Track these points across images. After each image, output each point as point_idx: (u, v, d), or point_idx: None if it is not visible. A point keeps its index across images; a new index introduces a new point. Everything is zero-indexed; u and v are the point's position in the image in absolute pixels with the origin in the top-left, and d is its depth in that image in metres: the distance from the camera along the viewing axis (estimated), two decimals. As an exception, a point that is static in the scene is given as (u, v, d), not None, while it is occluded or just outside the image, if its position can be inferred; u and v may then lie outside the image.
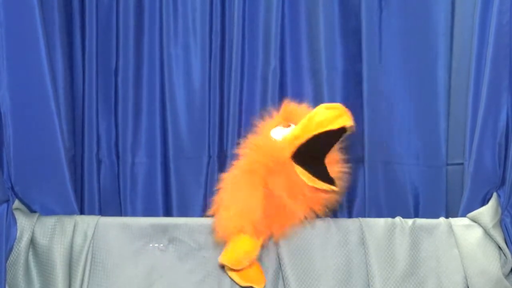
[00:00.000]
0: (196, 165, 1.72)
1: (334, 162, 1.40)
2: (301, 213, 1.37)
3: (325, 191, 1.36)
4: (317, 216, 1.42)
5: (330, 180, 1.34)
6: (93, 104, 1.71)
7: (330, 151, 1.37)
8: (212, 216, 1.41)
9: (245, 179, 1.35)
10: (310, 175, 1.33)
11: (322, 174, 1.34)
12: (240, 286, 1.41)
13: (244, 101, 1.70)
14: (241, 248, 1.32)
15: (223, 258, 1.34)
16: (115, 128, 1.73)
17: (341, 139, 1.36)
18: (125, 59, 1.72)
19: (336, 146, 1.40)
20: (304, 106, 1.47)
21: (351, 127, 1.34)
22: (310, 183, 1.33)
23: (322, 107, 1.36)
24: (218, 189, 1.41)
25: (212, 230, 1.41)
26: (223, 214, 1.35)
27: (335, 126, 1.31)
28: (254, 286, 1.39)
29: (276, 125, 1.43)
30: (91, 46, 1.69)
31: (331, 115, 1.32)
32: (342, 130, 1.33)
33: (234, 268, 1.35)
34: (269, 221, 1.36)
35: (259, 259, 1.43)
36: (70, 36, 1.67)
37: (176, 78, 1.74)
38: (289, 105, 1.46)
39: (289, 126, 1.42)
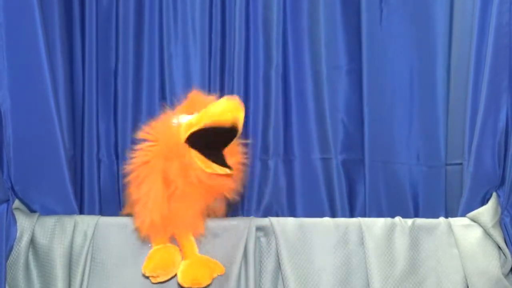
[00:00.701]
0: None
1: (234, 153, 1.40)
2: (201, 200, 1.37)
3: (221, 177, 1.36)
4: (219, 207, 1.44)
5: (225, 165, 1.33)
6: (93, 104, 1.71)
7: (229, 144, 1.36)
8: (128, 214, 1.43)
9: (144, 170, 1.35)
10: (204, 158, 1.32)
11: (216, 159, 1.33)
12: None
13: (246, 99, 1.70)
14: (159, 261, 1.36)
15: (143, 268, 1.37)
16: (115, 128, 1.73)
17: (234, 134, 1.34)
18: (125, 59, 1.72)
19: (236, 140, 1.39)
20: (211, 97, 1.45)
21: (238, 124, 1.32)
22: (205, 167, 1.33)
23: (223, 99, 1.35)
24: (126, 183, 1.39)
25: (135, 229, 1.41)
26: (136, 211, 1.36)
27: (224, 120, 1.30)
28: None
29: (181, 114, 1.41)
30: (91, 46, 1.69)
31: (223, 109, 1.31)
32: (231, 127, 1.31)
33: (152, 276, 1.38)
34: (173, 213, 1.36)
35: (259, 259, 1.44)
36: (70, 36, 1.67)
37: (176, 77, 1.74)
38: (195, 95, 1.45)
39: (192, 114, 1.40)
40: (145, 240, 1.41)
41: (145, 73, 1.73)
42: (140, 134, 1.38)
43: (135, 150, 1.37)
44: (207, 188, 1.37)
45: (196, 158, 1.33)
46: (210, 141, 1.33)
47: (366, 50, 1.65)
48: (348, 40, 1.70)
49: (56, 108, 1.44)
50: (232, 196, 1.41)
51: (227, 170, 1.32)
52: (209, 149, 1.33)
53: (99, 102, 1.73)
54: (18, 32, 1.39)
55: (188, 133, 1.32)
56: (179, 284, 1.38)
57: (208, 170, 1.33)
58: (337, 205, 1.70)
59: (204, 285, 1.37)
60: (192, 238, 1.40)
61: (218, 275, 1.40)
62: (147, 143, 1.36)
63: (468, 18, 1.54)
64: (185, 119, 1.38)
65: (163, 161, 1.34)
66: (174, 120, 1.38)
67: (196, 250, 1.40)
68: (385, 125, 1.68)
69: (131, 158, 1.37)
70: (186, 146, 1.33)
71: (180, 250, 1.40)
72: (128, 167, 1.36)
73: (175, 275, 1.38)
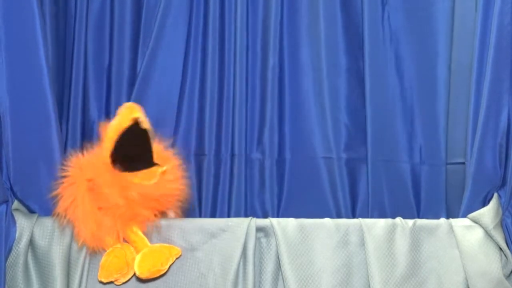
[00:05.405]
0: (191, 164, 1.71)
1: (165, 159, 1.44)
2: (147, 213, 1.40)
3: (163, 184, 1.41)
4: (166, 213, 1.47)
5: (152, 165, 1.39)
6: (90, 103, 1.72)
7: (150, 144, 1.41)
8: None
9: (81, 192, 1.37)
10: (136, 173, 1.38)
11: (147, 165, 1.39)
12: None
13: (243, 99, 1.69)
14: (110, 267, 1.38)
15: (99, 277, 1.40)
16: None
17: (145, 132, 1.39)
18: (119, 57, 1.72)
19: (158, 144, 1.45)
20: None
21: (140, 121, 1.37)
22: (142, 180, 1.38)
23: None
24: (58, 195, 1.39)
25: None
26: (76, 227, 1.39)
27: (126, 123, 1.36)
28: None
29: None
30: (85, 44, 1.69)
31: (121, 116, 1.38)
32: (136, 125, 1.37)
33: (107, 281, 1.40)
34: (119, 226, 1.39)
35: (259, 260, 1.44)
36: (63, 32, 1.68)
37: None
38: (104, 127, 1.47)
39: None
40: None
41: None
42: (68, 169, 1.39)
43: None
44: (157, 199, 1.41)
45: (130, 177, 1.38)
46: (132, 153, 1.39)
47: (368, 49, 1.64)
48: (348, 39, 1.70)
49: (55, 109, 1.43)
50: (182, 197, 1.46)
51: (158, 169, 1.38)
52: (138, 162, 1.39)
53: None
54: (16, 33, 1.38)
55: (108, 157, 1.37)
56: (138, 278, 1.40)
57: (146, 182, 1.38)
58: (339, 204, 1.70)
59: (163, 270, 1.38)
60: (139, 232, 1.41)
61: (176, 258, 1.42)
62: (84, 167, 1.39)
63: (470, 18, 1.54)
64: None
65: (103, 185, 1.37)
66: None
67: (147, 241, 1.41)
68: (387, 123, 1.68)
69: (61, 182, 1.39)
70: (118, 172, 1.38)
71: (132, 246, 1.41)
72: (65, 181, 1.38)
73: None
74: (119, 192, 1.37)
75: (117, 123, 1.39)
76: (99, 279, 1.39)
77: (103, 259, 1.39)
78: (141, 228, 1.42)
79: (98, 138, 1.45)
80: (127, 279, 1.41)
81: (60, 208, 1.37)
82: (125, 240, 1.41)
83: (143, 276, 1.36)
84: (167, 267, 1.39)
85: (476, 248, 1.40)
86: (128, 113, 1.39)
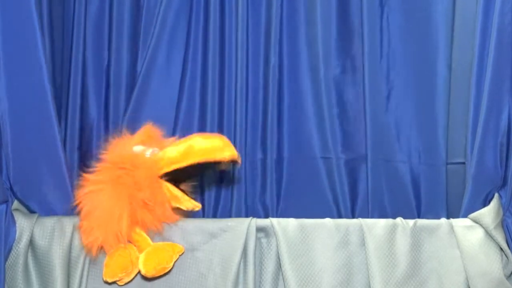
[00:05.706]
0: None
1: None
2: (151, 225, 1.40)
3: (180, 209, 1.41)
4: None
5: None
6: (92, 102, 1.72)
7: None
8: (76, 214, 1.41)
9: (112, 189, 1.36)
10: (176, 192, 1.38)
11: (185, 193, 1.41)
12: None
13: (244, 99, 1.69)
14: (115, 265, 1.38)
15: (104, 276, 1.39)
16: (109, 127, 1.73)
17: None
18: (118, 58, 1.72)
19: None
20: (161, 134, 1.48)
21: (236, 158, 1.36)
22: (174, 201, 1.38)
23: (199, 136, 1.39)
24: (80, 192, 1.39)
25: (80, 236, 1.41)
26: (87, 222, 1.37)
27: (223, 156, 1.34)
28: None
29: (136, 144, 1.43)
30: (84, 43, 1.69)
31: (217, 145, 1.35)
32: (226, 162, 1.35)
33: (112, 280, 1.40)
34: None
35: (259, 260, 1.43)
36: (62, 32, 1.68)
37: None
38: (149, 129, 1.47)
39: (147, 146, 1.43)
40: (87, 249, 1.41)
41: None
42: (109, 156, 1.39)
43: (100, 164, 1.39)
44: (162, 216, 1.41)
45: (168, 192, 1.37)
46: (186, 173, 1.38)
47: (367, 49, 1.64)
48: (347, 39, 1.70)
49: (55, 109, 1.43)
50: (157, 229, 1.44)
51: (197, 205, 1.39)
52: (177, 183, 1.39)
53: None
54: (15, 32, 1.38)
55: (172, 169, 1.35)
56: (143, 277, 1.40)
57: (175, 205, 1.38)
58: (339, 204, 1.69)
59: (168, 267, 1.39)
60: (142, 232, 1.41)
61: (179, 255, 1.42)
62: (120, 164, 1.38)
63: (470, 17, 1.53)
64: (149, 151, 1.40)
65: (132, 187, 1.35)
66: (147, 152, 1.40)
67: (150, 240, 1.41)
68: (386, 123, 1.68)
69: (95, 169, 1.39)
70: (159, 179, 1.36)
71: (135, 246, 1.41)
72: (89, 177, 1.38)
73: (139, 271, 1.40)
74: (149, 198, 1.36)
75: (211, 148, 1.34)
76: (104, 278, 1.39)
77: (107, 258, 1.39)
78: (144, 230, 1.42)
79: (134, 134, 1.45)
80: (131, 278, 1.41)
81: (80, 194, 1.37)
82: (128, 241, 1.41)
83: (149, 274, 1.36)
84: (171, 264, 1.40)
85: (476, 248, 1.40)
86: (224, 147, 1.35)
